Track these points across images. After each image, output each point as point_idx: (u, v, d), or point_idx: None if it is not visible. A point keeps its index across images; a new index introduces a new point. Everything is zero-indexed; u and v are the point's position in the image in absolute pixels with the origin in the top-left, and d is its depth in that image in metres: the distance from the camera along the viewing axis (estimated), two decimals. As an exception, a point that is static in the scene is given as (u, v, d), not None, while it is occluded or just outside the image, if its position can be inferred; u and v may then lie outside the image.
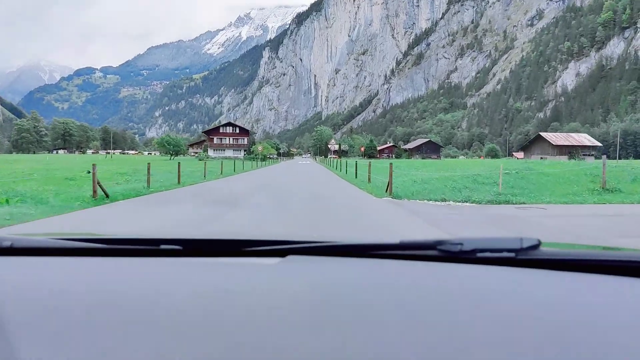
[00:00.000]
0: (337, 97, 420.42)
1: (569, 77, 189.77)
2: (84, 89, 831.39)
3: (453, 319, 0.79)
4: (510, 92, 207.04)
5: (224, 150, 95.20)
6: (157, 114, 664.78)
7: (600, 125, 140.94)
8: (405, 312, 0.80)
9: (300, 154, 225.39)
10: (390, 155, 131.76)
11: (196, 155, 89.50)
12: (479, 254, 0.99)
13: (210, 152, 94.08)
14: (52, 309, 0.75)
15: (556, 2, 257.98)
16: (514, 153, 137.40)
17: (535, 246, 0.98)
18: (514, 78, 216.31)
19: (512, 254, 0.97)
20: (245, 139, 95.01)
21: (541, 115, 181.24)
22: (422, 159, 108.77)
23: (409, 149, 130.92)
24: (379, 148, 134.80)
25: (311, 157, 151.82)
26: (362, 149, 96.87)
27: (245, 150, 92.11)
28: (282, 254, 1.07)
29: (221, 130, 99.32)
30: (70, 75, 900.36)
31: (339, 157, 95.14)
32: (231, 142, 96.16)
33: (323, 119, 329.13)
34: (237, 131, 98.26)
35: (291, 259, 1.04)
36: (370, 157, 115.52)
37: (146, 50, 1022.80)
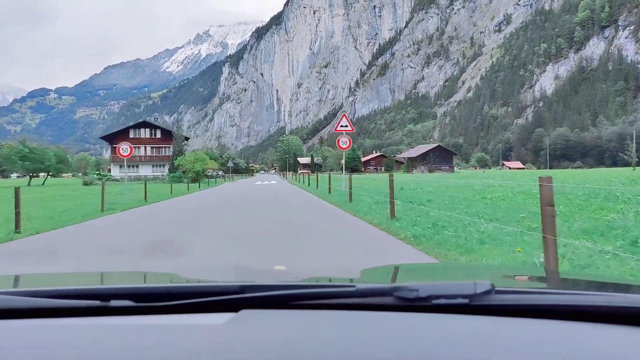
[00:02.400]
0: (301, 111, 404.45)
1: (547, 81, 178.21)
2: (38, 111, 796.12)
3: None
4: (485, 99, 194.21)
5: (137, 166, 66.23)
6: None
7: (591, 129, 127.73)
8: None
9: (265, 170, 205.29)
10: (378, 167, 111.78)
11: (87, 176, 63.44)
12: (434, 301, 0.98)
13: (115, 171, 66.02)
14: None
15: (524, 6, 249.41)
16: (505, 162, 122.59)
17: (489, 291, 0.96)
18: (487, 84, 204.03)
19: (466, 300, 0.97)
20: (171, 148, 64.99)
21: (521, 121, 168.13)
22: (430, 171, 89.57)
23: (409, 158, 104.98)
24: (363, 159, 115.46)
25: (277, 173, 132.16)
26: (343, 160, 79.47)
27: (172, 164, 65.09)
28: (235, 307, 1.01)
29: (132, 135, 67.21)
30: (24, 96, 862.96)
31: (313, 172, 77.48)
32: (149, 154, 67.16)
33: (287, 133, 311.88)
34: (159, 135, 67.90)
35: (244, 315, 0.99)
36: (353, 170, 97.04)
37: (103, 69, 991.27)
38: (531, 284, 1.29)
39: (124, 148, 19.86)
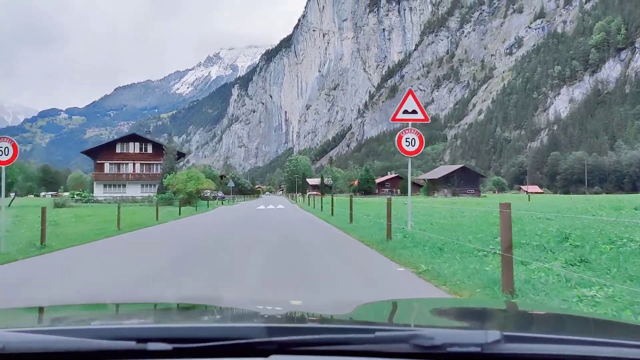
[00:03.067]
0: (309, 133, 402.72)
1: (561, 104, 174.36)
2: (48, 131, 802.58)
3: None
4: (497, 122, 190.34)
5: (123, 185, 58.41)
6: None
7: (609, 153, 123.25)
8: None
9: (271, 191, 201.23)
10: (394, 190, 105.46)
11: (62, 196, 53.34)
12: (449, 349, 1.02)
13: (99, 190, 57.98)
14: None
15: (535, 29, 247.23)
16: (521, 186, 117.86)
17: (499, 340, 1.01)
18: (499, 107, 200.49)
19: (478, 349, 1.01)
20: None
21: (535, 144, 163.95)
22: (454, 195, 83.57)
23: (429, 180, 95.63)
24: (377, 181, 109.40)
25: (285, 195, 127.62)
26: (356, 182, 73.42)
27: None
28: (264, 352, 1.07)
29: (119, 150, 59.92)
30: (34, 116, 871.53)
31: (322, 194, 72.78)
32: (138, 171, 58.99)
33: (295, 154, 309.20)
34: (150, 150, 59.42)
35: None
36: (366, 192, 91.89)
37: (113, 90, 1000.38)
38: (540, 327, 1.34)
39: (3, 148, 9.79)
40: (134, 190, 57.71)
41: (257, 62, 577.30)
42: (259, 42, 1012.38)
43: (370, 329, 1.15)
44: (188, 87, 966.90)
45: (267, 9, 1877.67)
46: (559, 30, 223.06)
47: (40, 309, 1.51)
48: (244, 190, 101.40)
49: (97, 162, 61.79)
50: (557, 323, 1.44)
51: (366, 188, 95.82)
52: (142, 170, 60.55)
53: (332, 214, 22.04)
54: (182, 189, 42.76)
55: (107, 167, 60.64)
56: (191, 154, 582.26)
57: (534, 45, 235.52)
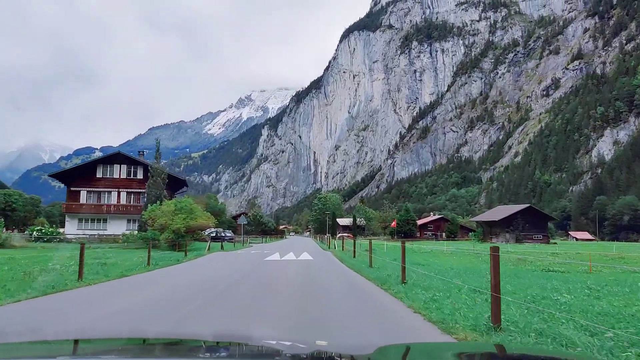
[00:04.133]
0: (338, 173, 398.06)
1: (605, 146, 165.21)
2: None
3: None
4: (536, 164, 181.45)
5: (104, 220, 46.83)
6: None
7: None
8: None
9: (297, 232, 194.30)
10: (439, 233, 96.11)
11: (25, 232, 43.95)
12: None
13: (72, 226, 46.24)
14: None
15: (573, 70, 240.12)
16: (569, 232, 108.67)
17: None
18: (537, 149, 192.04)
19: None
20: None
21: (577, 188, 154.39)
22: (518, 240, 74.38)
23: (483, 222, 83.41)
24: (419, 222, 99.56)
25: (312, 236, 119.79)
26: (394, 223, 65.39)
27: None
28: None
29: (99, 174, 48.01)
30: (70, 154, 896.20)
31: (355, 236, 65.62)
32: (125, 202, 47.35)
33: (323, 193, 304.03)
34: (139, 174, 47.96)
35: None
36: (406, 235, 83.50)
37: (147, 130, 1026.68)
38: None
39: None
40: (118, 227, 44.82)
41: (287, 103, 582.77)
42: (289, 85, 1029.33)
43: None
44: (219, 128, 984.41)
45: (298, 52, 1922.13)
46: (598, 71, 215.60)
47: (32, 343, 1.44)
48: (267, 230, 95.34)
49: (71, 189, 48.10)
50: None
51: (406, 230, 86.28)
52: (130, 201, 48.15)
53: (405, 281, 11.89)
54: (167, 225, 31.70)
55: (83, 197, 47.78)
56: (220, 193, 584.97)
57: (572, 86, 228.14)
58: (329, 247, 38.90)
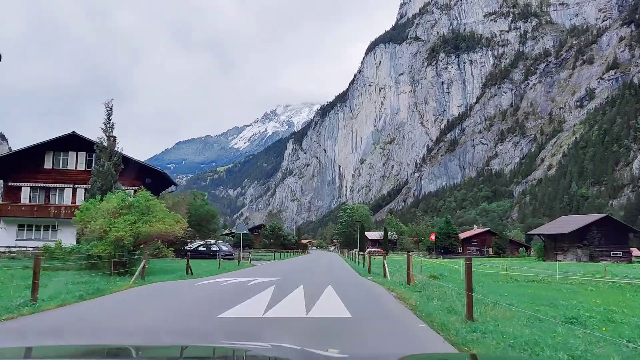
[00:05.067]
0: (363, 187, 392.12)
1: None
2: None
3: None
4: (572, 177, 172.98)
5: (53, 227, 34.72)
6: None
7: None
8: None
9: (322, 246, 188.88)
10: (484, 248, 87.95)
11: None
12: None
13: (8, 235, 34.33)
14: None
15: (608, 80, 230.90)
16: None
17: None
18: (573, 161, 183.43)
19: None
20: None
21: (617, 202, 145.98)
22: (592, 259, 64.83)
23: (545, 236, 69.38)
24: (462, 236, 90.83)
25: (337, 250, 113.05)
26: (433, 237, 58.97)
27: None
28: None
29: (48, 165, 36.03)
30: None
31: (386, 251, 59.87)
32: (81, 202, 28.57)
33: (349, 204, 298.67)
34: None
35: None
36: (447, 251, 76.60)
37: (174, 144, 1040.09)
38: None
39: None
40: (71, 235, 30.01)
41: (312, 117, 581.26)
42: (314, 99, 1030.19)
43: None
44: (245, 142, 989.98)
45: (324, 67, 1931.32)
46: (636, 80, 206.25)
47: (28, 349, 1.42)
48: (286, 244, 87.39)
49: (9, 184, 36.16)
50: None
51: (447, 245, 78.55)
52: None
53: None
54: (105, 231, 19.57)
55: (25, 194, 35.87)
56: (245, 207, 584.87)
57: (607, 97, 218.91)
58: (364, 269, 27.44)
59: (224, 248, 39.74)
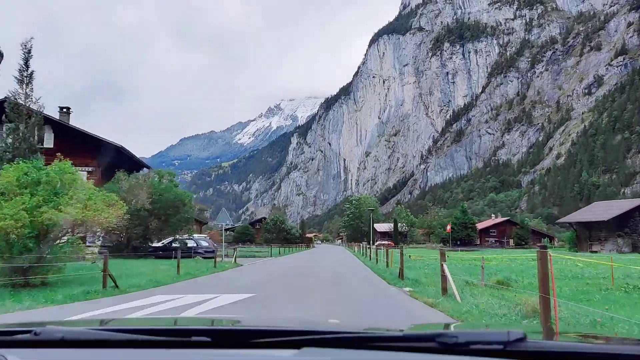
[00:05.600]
0: (368, 180, 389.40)
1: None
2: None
3: None
4: (582, 165, 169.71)
5: None
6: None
7: None
8: None
9: (328, 240, 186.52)
10: (504, 239, 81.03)
11: None
12: (472, 346, 1.07)
13: None
14: None
15: (617, 66, 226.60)
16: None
17: (522, 339, 1.06)
18: (583, 149, 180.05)
19: (500, 346, 1.05)
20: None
21: (629, 190, 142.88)
22: (635, 249, 51.64)
23: (578, 224, 59.47)
24: (480, 226, 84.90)
25: (344, 244, 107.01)
26: (449, 227, 54.82)
27: None
28: (296, 345, 1.12)
29: None
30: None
31: (396, 244, 56.49)
32: None
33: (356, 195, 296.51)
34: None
35: (306, 351, 1.10)
36: (464, 243, 71.34)
37: (178, 140, 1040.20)
38: (560, 337, 1.45)
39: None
40: None
41: (317, 111, 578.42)
42: (318, 93, 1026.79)
43: (399, 330, 1.27)
44: (249, 138, 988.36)
45: (327, 60, 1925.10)
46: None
47: (107, 320, 1.60)
48: (290, 239, 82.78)
49: None
50: (570, 334, 1.61)
51: (464, 236, 73.51)
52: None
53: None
54: None
55: None
56: (251, 202, 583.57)
57: (616, 83, 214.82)
58: (387, 272, 20.12)
59: (204, 244, 32.35)
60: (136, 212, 25.20)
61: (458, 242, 70.83)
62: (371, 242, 50.64)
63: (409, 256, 25.15)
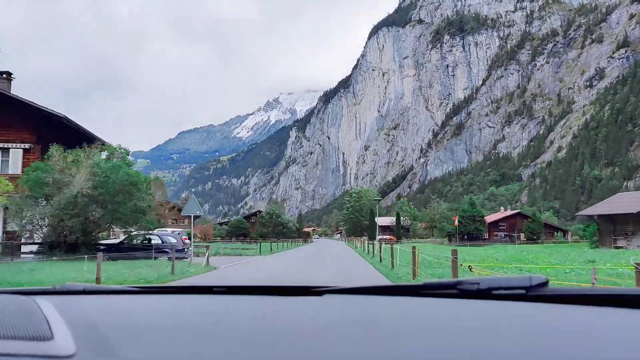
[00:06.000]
0: (367, 174, 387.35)
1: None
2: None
3: (473, 349, 0.89)
4: (584, 158, 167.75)
5: None
6: (183, 196, 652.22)
7: None
8: (430, 344, 0.91)
9: (326, 234, 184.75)
10: (514, 233, 74.87)
11: None
12: (494, 292, 1.06)
13: None
14: (133, 336, 0.91)
15: (619, 59, 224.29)
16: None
17: (544, 283, 1.06)
18: (585, 142, 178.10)
19: (522, 291, 1.05)
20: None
21: (632, 183, 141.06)
22: None
23: (601, 217, 51.65)
24: (488, 219, 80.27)
25: (344, 238, 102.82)
26: (455, 222, 50.95)
27: None
28: (319, 293, 1.17)
29: None
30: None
31: (397, 239, 53.91)
32: None
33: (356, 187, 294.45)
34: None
35: (328, 298, 1.14)
36: (471, 237, 67.15)
37: (177, 134, 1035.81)
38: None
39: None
40: None
41: (315, 104, 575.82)
42: (317, 87, 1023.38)
43: (418, 282, 1.39)
44: (248, 132, 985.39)
45: (326, 53, 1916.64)
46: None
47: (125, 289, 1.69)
48: (286, 233, 79.51)
49: None
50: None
51: (472, 230, 68.87)
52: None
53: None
54: None
55: None
56: (249, 196, 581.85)
57: (618, 76, 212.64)
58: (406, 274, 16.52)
59: (172, 241, 24.52)
60: (72, 199, 20.54)
61: (465, 237, 67.12)
62: (376, 235, 47.37)
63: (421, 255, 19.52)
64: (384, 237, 55.29)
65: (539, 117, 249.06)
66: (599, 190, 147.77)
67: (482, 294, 1.05)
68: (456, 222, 48.32)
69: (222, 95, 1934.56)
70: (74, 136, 25.62)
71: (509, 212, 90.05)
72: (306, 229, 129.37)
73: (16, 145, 23.40)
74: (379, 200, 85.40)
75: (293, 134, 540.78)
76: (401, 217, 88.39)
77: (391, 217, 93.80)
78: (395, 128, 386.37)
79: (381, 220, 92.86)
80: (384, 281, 17.43)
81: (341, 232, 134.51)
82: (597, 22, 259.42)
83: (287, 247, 50.87)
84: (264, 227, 77.99)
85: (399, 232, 79.70)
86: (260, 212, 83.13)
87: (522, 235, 74.22)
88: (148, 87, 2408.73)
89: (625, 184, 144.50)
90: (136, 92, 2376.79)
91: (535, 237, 70.89)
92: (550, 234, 75.13)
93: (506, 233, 77.69)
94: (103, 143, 26.80)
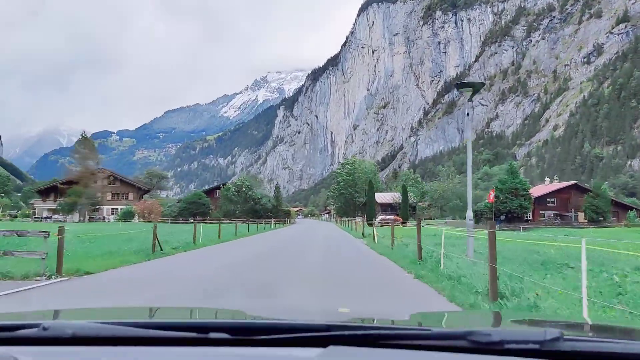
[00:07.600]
0: (356, 154, 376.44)
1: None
2: (99, 152, 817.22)
3: None
4: (584, 137, 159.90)
5: None
6: (169, 175, 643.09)
7: None
8: None
9: (313, 214, 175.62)
10: (571, 212, 58.73)
11: None
12: (507, 345, 1.00)
13: None
14: None
15: (618, 34, 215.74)
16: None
17: (558, 338, 1.00)
18: (585, 120, 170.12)
19: (537, 346, 0.99)
20: None
21: (636, 162, 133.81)
22: None
23: None
24: (536, 195, 60.58)
25: (334, 219, 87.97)
26: (491, 196, 37.49)
27: None
28: (322, 343, 1.08)
29: None
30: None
31: (403, 218, 44.08)
32: None
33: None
34: None
35: (333, 350, 1.06)
36: (511, 218, 51.98)
37: (163, 113, 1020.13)
38: (595, 333, 1.38)
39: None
40: None
41: (304, 82, 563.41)
42: (306, 65, 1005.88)
43: (427, 329, 1.16)
44: (235, 111, 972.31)
45: (315, 31, 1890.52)
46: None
47: (111, 309, 1.57)
48: (259, 211, 62.34)
49: None
50: (599, 327, 1.53)
51: (515, 208, 52.88)
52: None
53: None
54: None
55: None
56: (236, 175, 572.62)
57: (617, 52, 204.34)
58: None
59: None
60: None
61: (502, 217, 51.91)
62: (359, 216, 37.35)
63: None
64: (387, 217, 44.13)
65: (534, 94, 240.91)
66: (601, 169, 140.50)
67: (494, 347, 1.00)
68: (492, 197, 37.31)
69: (210, 74, 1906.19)
70: None
71: (560, 185, 73.48)
72: (293, 209, 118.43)
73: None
74: (349, 196, 71.22)
75: (281, 113, 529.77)
76: (410, 193, 73.52)
77: (394, 193, 79.58)
78: (384, 107, 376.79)
79: (382, 197, 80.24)
80: None
81: (329, 212, 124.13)
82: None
83: (254, 232, 34.93)
84: (232, 203, 64.03)
85: (406, 211, 64.48)
86: (225, 185, 69.17)
87: (581, 216, 59.74)
88: (134, 65, 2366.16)
89: (629, 162, 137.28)
90: (122, 69, 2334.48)
91: (601, 218, 55.62)
92: (617, 214, 60.17)
93: (557, 212, 63.29)
94: None
